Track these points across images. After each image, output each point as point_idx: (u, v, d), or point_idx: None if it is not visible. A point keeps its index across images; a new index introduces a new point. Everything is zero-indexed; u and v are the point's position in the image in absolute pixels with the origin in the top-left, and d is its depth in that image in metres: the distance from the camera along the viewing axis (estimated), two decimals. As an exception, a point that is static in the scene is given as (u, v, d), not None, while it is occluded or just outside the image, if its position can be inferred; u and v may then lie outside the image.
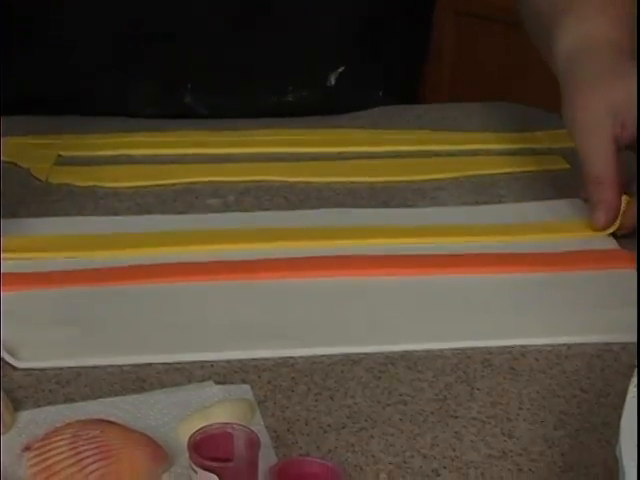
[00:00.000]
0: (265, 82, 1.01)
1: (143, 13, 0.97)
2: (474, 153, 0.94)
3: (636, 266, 0.71)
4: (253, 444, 0.50)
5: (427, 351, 0.64)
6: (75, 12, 0.96)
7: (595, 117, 0.77)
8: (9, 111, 0.89)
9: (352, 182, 0.87)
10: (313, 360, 0.62)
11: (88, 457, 0.50)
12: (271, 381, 0.60)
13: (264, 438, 0.54)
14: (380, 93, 1.05)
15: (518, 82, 1.95)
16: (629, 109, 0.75)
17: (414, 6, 1.07)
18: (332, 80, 1.01)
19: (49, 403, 0.57)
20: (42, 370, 0.60)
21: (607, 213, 0.75)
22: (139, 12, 0.97)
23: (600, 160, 0.75)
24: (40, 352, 0.62)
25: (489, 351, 0.64)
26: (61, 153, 0.90)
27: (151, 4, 0.96)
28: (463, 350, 0.64)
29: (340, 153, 0.92)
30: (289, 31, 0.99)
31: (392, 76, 1.06)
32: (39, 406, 0.57)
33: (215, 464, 0.48)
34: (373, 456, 0.54)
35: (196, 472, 0.48)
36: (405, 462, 0.54)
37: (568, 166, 0.91)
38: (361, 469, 0.53)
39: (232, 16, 0.98)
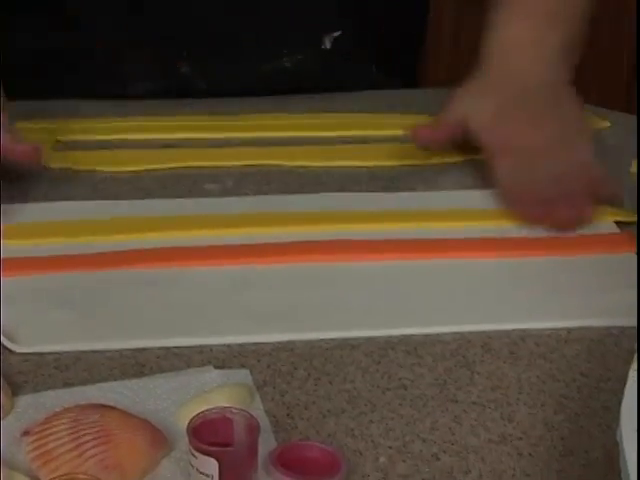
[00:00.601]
0: (260, 45, 1.00)
1: None
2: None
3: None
4: (252, 429, 0.50)
5: (426, 335, 0.64)
6: None
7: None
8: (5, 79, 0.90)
9: (351, 166, 0.87)
10: (312, 345, 0.62)
11: (87, 442, 0.50)
12: (270, 366, 0.60)
13: (263, 423, 0.53)
14: (375, 67, 1.04)
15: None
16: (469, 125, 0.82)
17: None
18: (327, 44, 1.00)
19: (48, 388, 0.57)
20: (41, 355, 0.60)
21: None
22: None
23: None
24: (39, 336, 0.62)
25: (489, 335, 0.64)
26: (59, 138, 0.90)
27: None
28: (463, 334, 0.64)
29: (339, 137, 0.92)
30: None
31: (390, 51, 1.05)
32: (38, 391, 0.57)
33: (214, 449, 0.48)
34: (372, 441, 0.54)
35: (195, 457, 0.48)
36: (405, 446, 0.54)
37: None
38: (361, 453, 0.53)
39: None
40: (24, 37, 0.99)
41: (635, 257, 0.71)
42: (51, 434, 0.51)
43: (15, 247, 0.71)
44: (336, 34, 1.01)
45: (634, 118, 0.91)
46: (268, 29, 0.99)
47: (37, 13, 0.98)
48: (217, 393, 0.55)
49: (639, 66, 0.80)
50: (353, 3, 1.02)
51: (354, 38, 1.02)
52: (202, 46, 0.99)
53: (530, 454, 0.54)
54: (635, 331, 0.62)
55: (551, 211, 0.75)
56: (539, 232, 0.75)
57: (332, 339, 0.63)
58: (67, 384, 0.58)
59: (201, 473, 0.48)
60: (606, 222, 0.76)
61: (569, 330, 0.64)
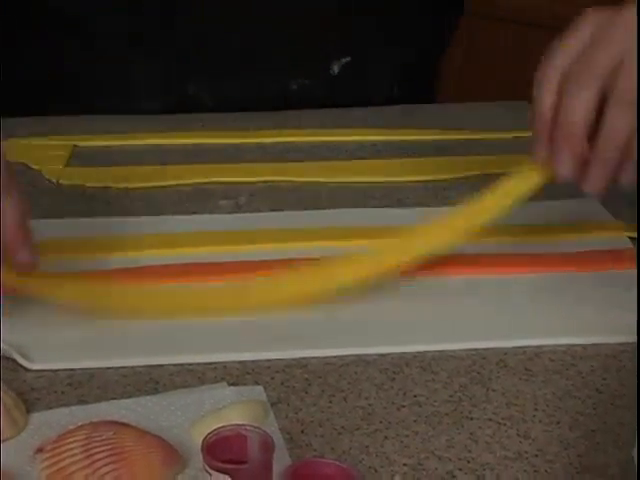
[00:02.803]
0: (268, 67, 1.00)
1: (147, 3, 0.96)
2: (487, 152, 0.94)
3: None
4: (267, 446, 0.50)
5: (441, 352, 0.63)
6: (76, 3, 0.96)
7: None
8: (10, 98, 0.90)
9: (364, 182, 0.87)
10: (326, 361, 0.62)
11: (101, 459, 0.50)
12: (284, 382, 0.60)
13: (278, 440, 0.53)
14: (391, 88, 1.04)
15: (528, 81, 1.95)
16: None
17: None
18: (335, 69, 1.01)
19: (62, 405, 0.57)
20: (55, 372, 0.60)
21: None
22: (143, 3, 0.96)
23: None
24: (53, 353, 0.62)
25: (504, 351, 0.64)
26: (73, 154, 0.91)
27: None
28: (478, 351, 0.64)
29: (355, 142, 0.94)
30: (291, 16, 0.98)
31: (404, 74, 1.05)
32: (52, 408, 0.57)
33: (229, 466, 0.48)
34: (387, 458, 0.54)
35: (210, 474, 0.48)
36: (420, 464, 0.54)
37: (582, 165, 0.91)
38: (375, 471, 0.53)
39: (236, 7, 0.97)
40: (35, 54, 0.99)
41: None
42: (65, 451, 0.51)
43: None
44: (345, 60, 1.01)
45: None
46: (276, 51, 0.99)
47: (48, 31, 0.98)
48: (231, 410, 0.55)
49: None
50: (362, 31, 1.02)
51: (363, 65, 1.02)
52: (210, 66, 0.99)
53: (546, 471, 0.53)
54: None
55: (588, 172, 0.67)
56: (554, 248, 0.75)
57: (346, 355, 0.63)
58: (81, 401, 0.58)
59: (215, 490, 0.48)
60: (621, 238, 0.76)
61: (584, 346, 0.64)
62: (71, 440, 0.51)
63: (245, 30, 0.98)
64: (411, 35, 1.04)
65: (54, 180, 0.86)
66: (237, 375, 0.60)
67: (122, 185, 0.85)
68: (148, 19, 0.97)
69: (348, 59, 1.01)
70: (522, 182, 0.70)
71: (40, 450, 0.52)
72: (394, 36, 1.03)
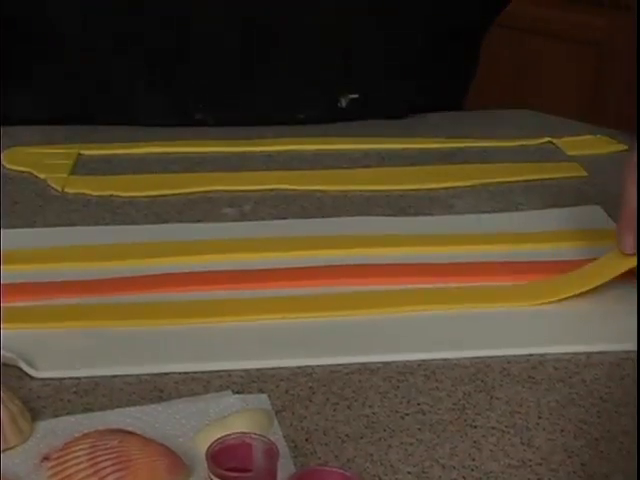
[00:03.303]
0: (275, 97, 1.00)
1: (155, 31, 0.96)
2: (491, 160, 0.94)
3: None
4: (272, 454, 0.50)
5: (445, 360, 0.64)
6: (87, 28, 0.96)
7: None
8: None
9: (368, 190, 0.87)
10: (331, 369, 0.62)
11: (106, 467, 0.50)
12: (289, 391, 0.60)
13: (282, 448, 0.54)
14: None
15: (531, 89, 1.95)
16: None
17: (447, 39, 1.05)
18: (343, 103, 1.01)
19: (68, 413, 0.57)
20: (60, 380, 0.60)
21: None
22: (151, 30, 0.96)
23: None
24: (59, 362, 0.62)
25: (507, 360, 0.64)
26: (77, 162, 0.91)
27: (164, 23, 0.96)
28: (481, 359, 0.64)
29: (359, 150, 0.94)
30: (298, 53, 0.98)
31: (413, 107, 1.05)
32: (58, 416, 0.57)
33: (233, 474, 0.48)
34: (392, 466, 0.54)
35: (215, 482, 0.48)
36: (424, 472, 0.54)
37: (586, 174, 0.91)
38: (380, 479, 0.53)
39: (244, 36, 0.97)
40: (42, 79, 0.99)
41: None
42: (70, 459, 0.51)
43: (34, 272, 0.72)
44: (353, 96, 1.01)
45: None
46: (284, 82, 0.99)
47: (57, 55, 0.98)
48: (236, 418, 0.55)
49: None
50: (371, 69, 1.02)
51: (371, 102, 1.02)
52: (218, 95, 0.99)
53: (550, 479, 0.54)
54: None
55: None
56: (558, 256, 0.75)
57: (351, 364, 0.63)
58: (86, 409, 0.58)
59: (220, 499, 0.48)
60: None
61: (588, 354, 0.64)
62: (77, 448, 0.52)
63: (253, 60, 0.98)
64: (422, 76, 1.04)
65: (59, 188, 0.86)
66: (242, 383, 0.61)
67: (127, 193, 0.85)
68: (160, 51, 0.97)
69: (356, 96, 1.01)
70: (610, 267, 0.70)
71: (46, 458, 0.52)
72: (404, 75, 1.03)
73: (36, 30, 0.96)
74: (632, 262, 0.69)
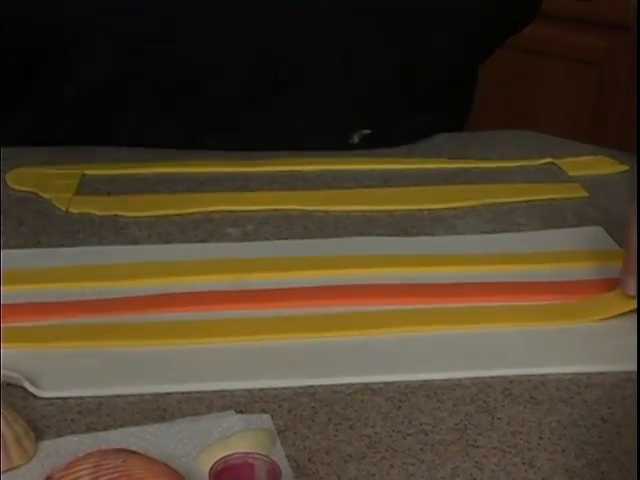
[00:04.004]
0: (284, 130, 1.00)
1: (163, 64, 0.95)
2: (493, 181, 0.94)
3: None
4: (274, 474, 0.50)
5: (447, 380, 0.64)
6: (98, 58, 0.95)
7: None
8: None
9: (370, 210, 0.87)
10: (333, 389, 0.62)
11: (110, 487, 0.50)
12: (291, 410, 0.60)
13: (285, 468, 0.54)
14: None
15: (532, 109, 1.95)
16: None
17: (451, 77, 1.05)
18: (355, 139, 1.01)
19: (71, 432, 0.57)
20: (64, 399, 0.61)
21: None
22: (161, 59, 0.95)
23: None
24: (62, 382, 0.62)
25: (509, 380, 0.64)
26: (86, 172, 0.92)
27: (171, 59, 0.95)
28: (483, 379, 0.64)
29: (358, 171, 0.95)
30: (308, 90, 0.98)
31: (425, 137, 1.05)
32: (61, 435, 0.57)
33: (236, 494, 0.48)
34: (394, 486, 0.54)
35: (218, 502, 0.48)
36: (426, 492, 0.54)
37: (587, 194, 0.91)
38: (382, 499, 0.53)
39: (258, 69, 0.96)
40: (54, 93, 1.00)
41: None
42: (74, 479, 0.51)
43: (38, 292, 0.72)
44: (365, 132, 1.01)
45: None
46: (298, 116, 0.99)
47: (66, 78, 0.98)
48: (238, 438, 0.55)
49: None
50: (385, 105, 1.01)
51: (384, 137, 1.02)
52: (229, 125, 0.99)
53: (551, 500, 0.54)
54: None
55: None
56: (558, 277, 0.75)
57: (353, 384, 0.63)
58: (90, 429, 0.58)
59: (223, 519, 0.48)
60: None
61: (589, 375, 0.65)
62: (80, 468, 0.52)
63: (268, 93, 0.97)
64: (430, 110, 1.04)
65: (63, 208, 0.86)
66: (244, 403, 0.61)
67: (131, 214, 0.85)
68: (171, 82, 0.97)
69: (368, 131, 1.01)
70: (611, 306, 0.71)
71: (49, 478, 0.52)
72: (418, 110, 1.03)
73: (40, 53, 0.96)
74: (633, 304, 0.70)
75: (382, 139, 1.01)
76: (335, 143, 1.00)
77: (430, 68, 1.00)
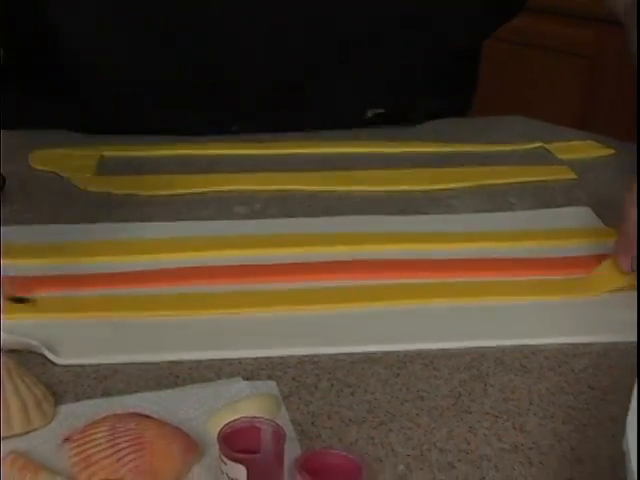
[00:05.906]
0: (303, 113, 0.99)
1: (201, 50, 0.94)
2: (487, 164, 0.94)
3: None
4: (279, 437, 0.49)
5: (443, 350, 0.63)
6: (125, 54, 0.94)
7: None
8: None
9: (371, 191, 0.87)
10: (336, 358, 0.62)
11: (125, 448, 0.50)
12: (296, 377, 0.60)
13: (289, 431, 0.53)
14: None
15: (526, 98, 1.95)
16: None
17: (456, 62, 1.05)
18: (369, 114, 1.00)
19: (88, 397, 0.57)
20: (81, 366, 0.60)
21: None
22: (197, 48, 0.94)
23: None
24: (79, 349, 0.62)
25: (502, 350, 0.63)
26: (104, 154, 0.91)
27: (208, 41, 0.94)
28: (477, 349, 0.63)
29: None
30: (329, 80, 0.98)
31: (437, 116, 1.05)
32: (78, 400, 0.57)
33: (243, 456, 0.48)
34: (392, 449, 0.54)
35: (225, 463, 0.48)
36: (422, 455, 0.53)
37: (575, 176, 0.91)
38: (381, 461, 0.53)
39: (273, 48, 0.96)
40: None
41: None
42: (90, 441, 0.51)
43: (58, 265, 0.71)
44: (379, 111, 1.00)
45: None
46: (313, 100, 0.98)
47: (85, 93, 0.97)
48: (246, 403, 0.55)
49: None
50: (398, 84, 1.01)
51: (394, 115, 1.01)
52: (253, 114, 0.98)
53: (540, 462, 0.53)
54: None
55: None
56: (549, 253, 0.75)
57: (354, 353, 0.63)
58: (106, 394, 0.58)
59: (231, 479, 0.48)
60: (611, 243, 0.76)
61: (577, 345, 0.64)
62: (96, 430, 0.51)
63: (279, 75, 0.97)
64: (442, 90, 1.04)
65: (82, 187, 0.86)
66: (251, 370, 0.60)
67: (146, 193, 0.85)
68: (203, 71, 0.96)
69: (382, 110, 1.00)
70: (606, 281, 0.71)
71: (67, 439, 0.52)
72: (427, 90, 1.02)
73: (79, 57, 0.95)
74: (621, 281, 0.69)
75: (391, 116, 1.01)
76: (351, 121, 1.00)
77: (440, 51, 1.00)
